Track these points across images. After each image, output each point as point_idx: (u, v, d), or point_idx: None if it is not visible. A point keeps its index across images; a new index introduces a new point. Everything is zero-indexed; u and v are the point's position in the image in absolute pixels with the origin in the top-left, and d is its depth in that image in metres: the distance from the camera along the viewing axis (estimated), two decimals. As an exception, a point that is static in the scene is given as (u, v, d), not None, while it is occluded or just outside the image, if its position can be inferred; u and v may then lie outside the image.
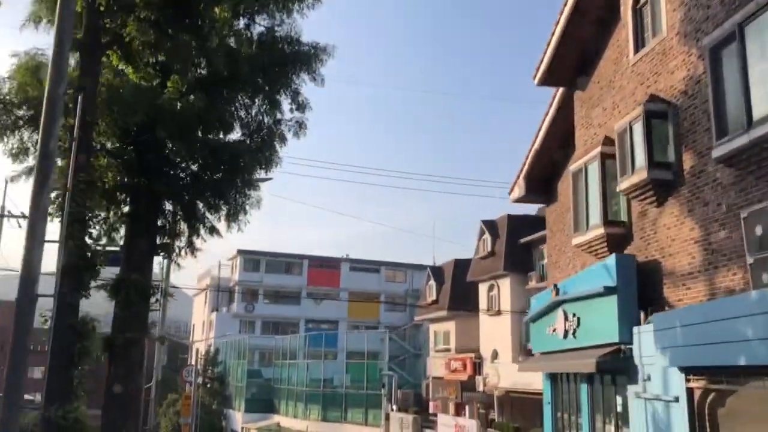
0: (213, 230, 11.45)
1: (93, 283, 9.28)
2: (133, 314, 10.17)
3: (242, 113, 11.49)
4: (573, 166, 14.15)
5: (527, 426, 27.01)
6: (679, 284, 10.19)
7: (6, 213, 15.05)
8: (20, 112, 10.87)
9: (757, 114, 8.31)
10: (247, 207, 11.63)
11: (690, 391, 8.89)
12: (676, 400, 9.06)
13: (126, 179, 10.44)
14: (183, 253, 11.48)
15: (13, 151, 11.38)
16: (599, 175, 12.86)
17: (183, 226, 11.35)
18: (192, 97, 10.75)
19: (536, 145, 16.79)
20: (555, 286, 14.35)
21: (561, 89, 15.79)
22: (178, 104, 10.49)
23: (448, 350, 36.92)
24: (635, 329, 10.53)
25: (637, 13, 12.26)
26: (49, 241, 6.54)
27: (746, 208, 8.77)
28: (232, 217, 11.47)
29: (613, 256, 11.24)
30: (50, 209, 7.36)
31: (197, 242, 11.54)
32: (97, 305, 12.39)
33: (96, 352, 9.35)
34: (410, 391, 39.39)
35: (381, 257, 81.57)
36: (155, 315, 19.81)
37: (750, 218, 8.68)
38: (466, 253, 37.46)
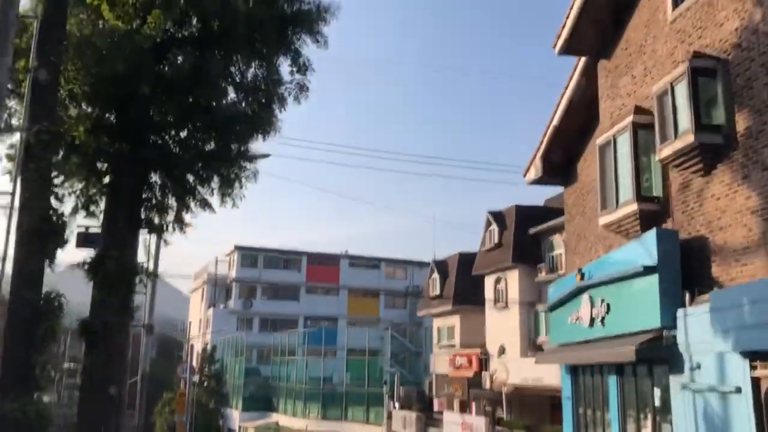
0: (205, 204, 10.23)
1: (62, 256, 7.97)
2: (113, 297, 8.95)
3: (236, 74, 10.28)
4: (600, 139, 12.99)
5: (537, 424, 25.87)
6: (731, 261, 9.01)
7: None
8: None
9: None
10: (243, 180, 10.42)
11: (755, 381, 7.71)
12: (738, 390, 7.88)
13: (105, 140, 9.18)
14: (171, 228, 10.26)
15: None
16: (631, 147, 11.72)
17: (171, 200, 10.13)
18: (180, 57, 9.57)
19: (555, 122, 15.61)
20: (579, 270, 13.18)
21: (582, 60, 14.64)
22: (165, 66, 9.27)
23: (452, 346, 35.75)
24: (680, 312, 9.36)
25: (675, -34, 11.10)
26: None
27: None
28: (226, 190, 10.26)
29: (653, 231, 10.06)
30: (9, 165, 6.20)
31: (187, 217, 10.33)
32: (81, 292, 11.18)
33: (61, 333, 8.14)
34: (413, 389, 38.21)
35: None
36: (151, 309, 18.63)
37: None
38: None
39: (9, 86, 6.40)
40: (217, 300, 61.45)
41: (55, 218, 7.50)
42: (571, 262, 16.08)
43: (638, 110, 11.86)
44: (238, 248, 60.37)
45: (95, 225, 9.57)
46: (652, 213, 11.34)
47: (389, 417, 33.22)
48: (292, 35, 10.88)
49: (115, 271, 8.67)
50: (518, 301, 28.90)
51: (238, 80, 10.10)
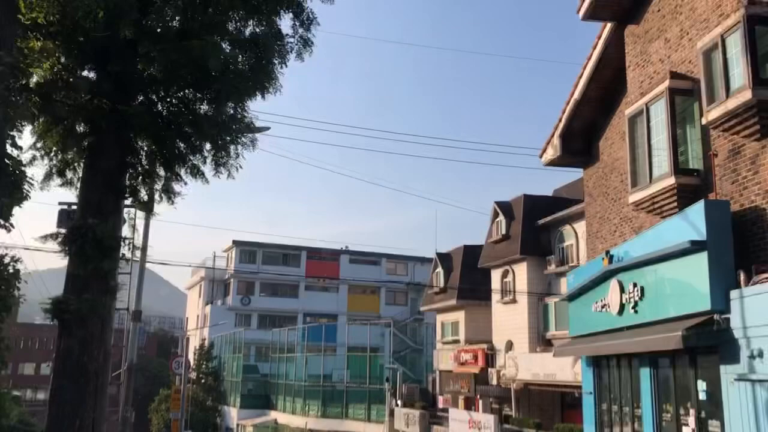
0: (196, 172, 9.10)
1: (20, 213, 6.80)
2: (91, 274, 7.85)
3: (233, 31, 9.16)
4: (629, 110, 11.90)
5: (546, 421, 24.79)
6: (795, 234, 7.93)
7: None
8: None
9: None
10: (239, 147, 9.29)
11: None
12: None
13: (81, 95, 8.01)
14: (159, 197, 9.13)
15: None
16: (667, 116, 10.63)
17: (158, 167, 9.01)
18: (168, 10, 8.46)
19: (576, 95, 14.53)
20: (607, 252, 12.09)
21: (607, 28, 13.54)
22: (150, 21, 8.13)
23: (456, 342, 34.64)
24: (734, 293, 8.28)
25: None
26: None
27: None
28: (219, 158, 9.13)
29: (701, 202, 8.95)
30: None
31: (177, 186, 9.20)
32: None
33: (14, 304, 7.00)
34: (416, 386, 37.19)
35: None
36: (139, 293, 17.54)
37: None
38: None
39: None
40: (215, 296, 60.37)
41: (11, 167, 6.35)
42: (593, 247, 15.00)
43: (674, 75, 10.80)
44: (236, 243, 59.31)
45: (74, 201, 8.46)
46: (692, 187, 10.28)
47: (391, 414, 32.23)
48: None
49: (94, 242, 7.58)
50: (527, 294, 27.79)
51: (233, 33, 8.97)
